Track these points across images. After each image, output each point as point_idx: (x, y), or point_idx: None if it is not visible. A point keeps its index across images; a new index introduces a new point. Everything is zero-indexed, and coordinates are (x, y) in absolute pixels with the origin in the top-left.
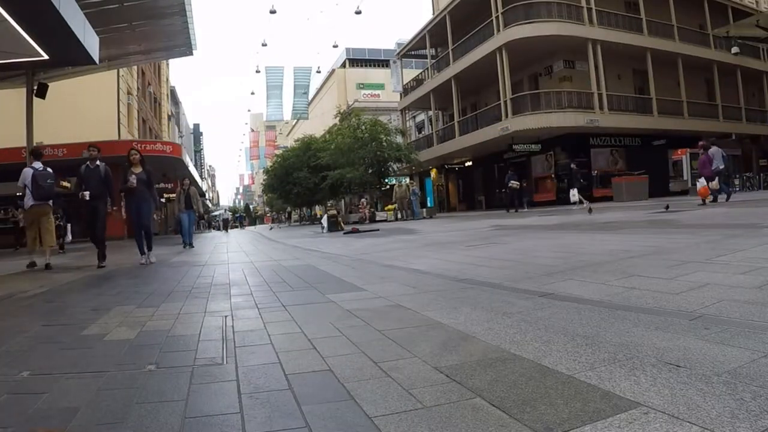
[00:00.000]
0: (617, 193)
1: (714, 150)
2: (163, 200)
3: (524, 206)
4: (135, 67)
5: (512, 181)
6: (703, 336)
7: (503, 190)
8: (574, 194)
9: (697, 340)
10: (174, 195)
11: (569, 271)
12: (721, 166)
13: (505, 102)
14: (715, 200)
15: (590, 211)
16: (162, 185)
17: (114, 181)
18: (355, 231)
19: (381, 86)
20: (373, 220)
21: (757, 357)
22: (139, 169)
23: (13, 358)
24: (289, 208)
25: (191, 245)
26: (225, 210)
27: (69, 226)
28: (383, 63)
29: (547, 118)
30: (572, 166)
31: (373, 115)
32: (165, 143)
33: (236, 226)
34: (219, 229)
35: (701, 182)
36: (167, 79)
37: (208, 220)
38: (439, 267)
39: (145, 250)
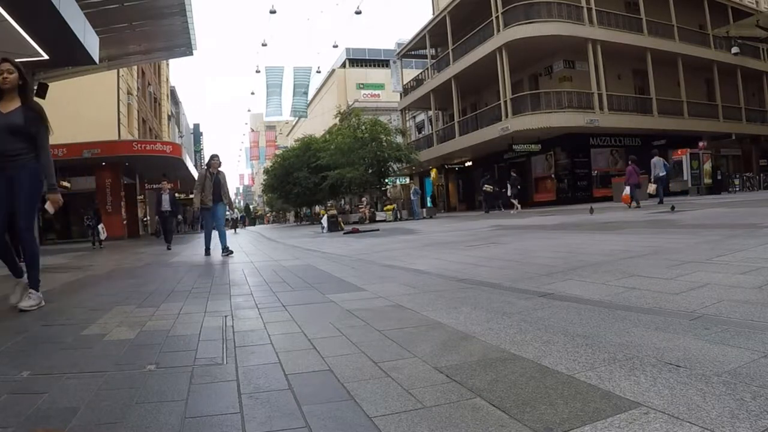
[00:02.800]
0: (617, 193)
1: (656, 160)
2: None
3: (500, 207)
4: (135, 67)
5: (486, 185)
6: (703, 336)
7: (482, 192)
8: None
9: (697, 340)
10: (162, 189)
11: (569, 271)
12: (662, 173)
13: (505, 102)
14: (637, 205)
15: (591, 211)
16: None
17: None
18: (355, 231)
19: (381, 86)
20: (373, 220)
21: (757, 357)
22: (13, 105)
23: (13, 358)
24: (301, 208)
25: (228, 251)
26: (234, 209)
27: (101, 225)
28: (383, 63)
29: (547, 118)
30: (512, 173)
31: (373, 115)
32: (165, 143)
33: (236, 226)
34: None
35: (626, 190)
36: (167, 79)
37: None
38: (439, 267)
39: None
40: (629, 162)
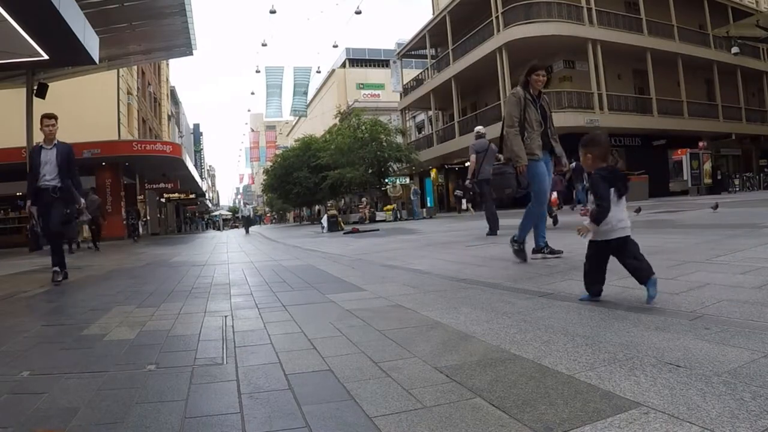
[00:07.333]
0: None
1: (573, 164)
2: (163, 200)
3: (471, 210)
4: (135, 67)
5: (457, 191)
6: (703, 336)
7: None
8: (464, 202)
9: (697, 340)
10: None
11: (569, 271)
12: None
13: (505, 102)
14: (559, 209)
15: (638, 211)
16: (162, 185)
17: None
18: (355, 231)
19: (381, 86)
20: (373, 220)
21: (757, 357)
22: None
23: (13, 358)
24: (301, 209)
25: (550, 250)
26: (246, 205)
27: (140, 223)
28: (383, 63)
29: None
30: (467, 183)
31: (373, 115)
32: (165, 143)
33: (236, 226)
34: (220, 229)
35: (554, 195)
36: (167, 79)
37: (207, 220)
38: (439, 267)
39: None
40: (555, 173)
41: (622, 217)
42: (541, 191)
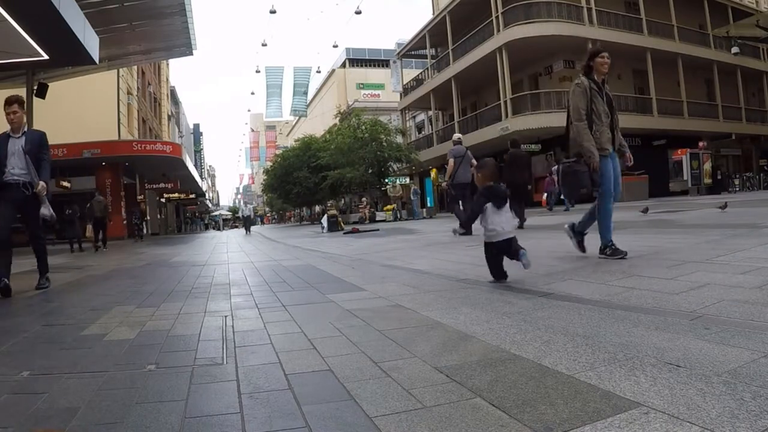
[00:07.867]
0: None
1: (554, 168)
2: (163, 200)
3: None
4: (135, 67)
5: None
6: (703, 336)
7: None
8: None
9: (697, 340)
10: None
11: (569, 271)
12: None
13: (505, 102)
14: (550, 209)
15: (645, 210)
16: (162, 185)
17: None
18: (355, 231)
19: (381, 86)
20: (373, 220)
21: (757, 357)
22: None
23: (13, 358)
24: (301, 209)
25: (615, 250)
26: (246, 205)
27: (144, 223)
28: (383, 63)
29: (547, 118)
30: (443, 185)
31: (373, 115)
32: (165, 143)
33: (236, 226)
34: (220, 229)
35: (544, 196)
36: (167, 79)
37: (208, 220)
38: (439, 267)
39: None
40: (549, 174)
41: (504, 224)
42: (608, 191)
